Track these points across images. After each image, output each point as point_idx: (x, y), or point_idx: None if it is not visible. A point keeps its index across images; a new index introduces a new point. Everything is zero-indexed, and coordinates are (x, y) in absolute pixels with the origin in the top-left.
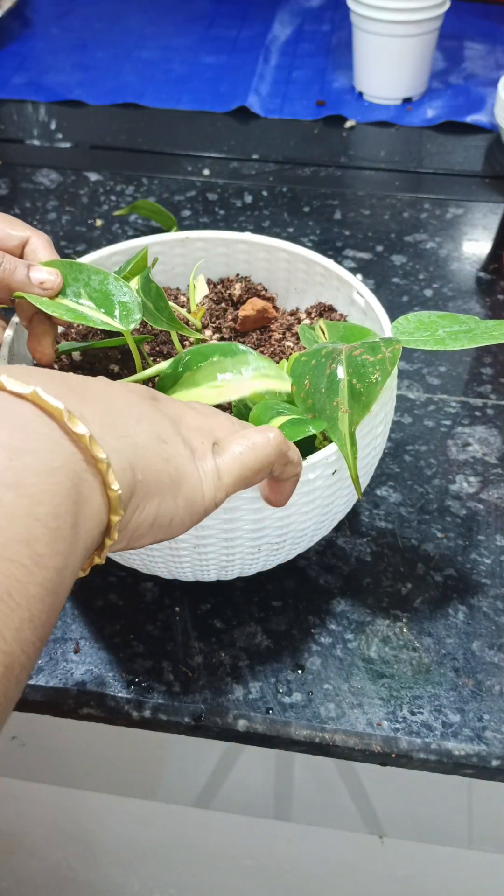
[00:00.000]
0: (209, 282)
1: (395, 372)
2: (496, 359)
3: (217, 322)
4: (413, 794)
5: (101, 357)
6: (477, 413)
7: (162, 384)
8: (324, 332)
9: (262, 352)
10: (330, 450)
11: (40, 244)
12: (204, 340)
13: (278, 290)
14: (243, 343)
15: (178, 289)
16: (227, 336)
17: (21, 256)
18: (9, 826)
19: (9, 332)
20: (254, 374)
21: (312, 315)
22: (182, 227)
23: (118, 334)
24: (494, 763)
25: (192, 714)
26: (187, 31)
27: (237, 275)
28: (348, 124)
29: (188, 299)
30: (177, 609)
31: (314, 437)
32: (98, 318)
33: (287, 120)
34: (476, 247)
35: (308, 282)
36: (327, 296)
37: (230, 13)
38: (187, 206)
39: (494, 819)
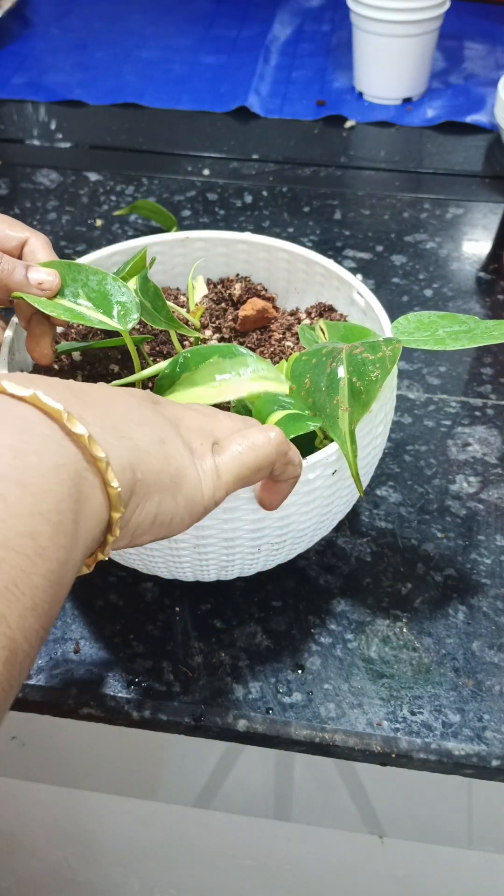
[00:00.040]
0: (209, 282)
1: (395, 371)
2: (496, 359)
3: (217, 322)
4: (413, 794)
5: (100, 357)
6: (477, 413)
7: (160, 384)
8: (324, 333)
9: (262, 352)
10: (330, 450)
11: (39, 245)
12: (203, 340)
13: (278, 290)
14: (243, 343)
15: (178, 289)
16: (226, 336)
17: (20, 257)
18: (9, 826)
19: (8, 333)
20: (252, 376)
21: (312, 315)
22: (182, 227)
23: (118, 334)
24: (494, 763)
25: (192, 714)
26: (187, 31)
27: (237, 275)
28: (348, 124)
29: (188, 299)
30: (177, 609)
31: (314, 436)
32: (96, 318)
33: (287, 120)
34: (476, 247)
35: (308, 282)
36: (327, 296)
37: (230, 13)
38: (187, 206)
39: (494, 819)
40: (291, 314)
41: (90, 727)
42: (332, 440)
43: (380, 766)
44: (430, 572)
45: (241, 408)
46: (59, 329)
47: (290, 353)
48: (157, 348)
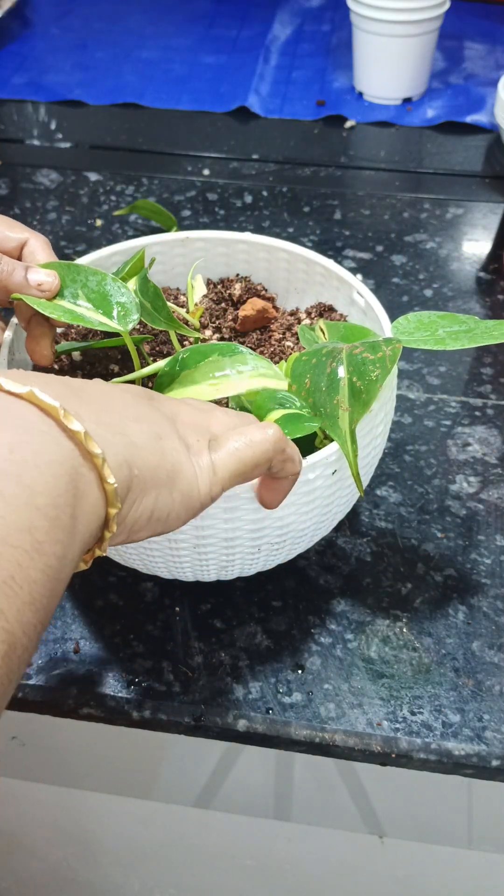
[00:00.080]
0: (209, 282)
1: (395, 371)
2: (496, 359)
3: (217, 322)
4: (413, 794)
5: (100, 357)
6: (477, 413)
7: (160, 382)
8: (324, 333)
9: (261, 352)
10: (330, 449)
11: (38, 246)
12: (203, 340)
13: (278, 290)
14: (243, 343)
15: (178, 289)
16: (226, 336)
17: (19, 258)
18: (9, 826)
19: (8, 334)
20: (251, 373)
21: (312, 315)
22: (182, 227)
23: (118, 334)
24: (494, 763)
25: (192, 714)
26: (187, 31)
27: (237, 275)
28: (348, 124)
29: (188, 299)
30: (177, 609)
31: (314, 436)
32: (96, 318)
33: (287, 120)
34: (476, 247)
35: (308, 282)
36: (327, 296)
37: (230, 13)
38: (187, 206)
39: (494, 819)
40: (291, 314)
41: (90, 727)
42: (332, 440)
43: (380, 766)
44: (430, 572)
45: (240, 406)
46: (59, 329)
47: (290, 353)
48: (157, 348)
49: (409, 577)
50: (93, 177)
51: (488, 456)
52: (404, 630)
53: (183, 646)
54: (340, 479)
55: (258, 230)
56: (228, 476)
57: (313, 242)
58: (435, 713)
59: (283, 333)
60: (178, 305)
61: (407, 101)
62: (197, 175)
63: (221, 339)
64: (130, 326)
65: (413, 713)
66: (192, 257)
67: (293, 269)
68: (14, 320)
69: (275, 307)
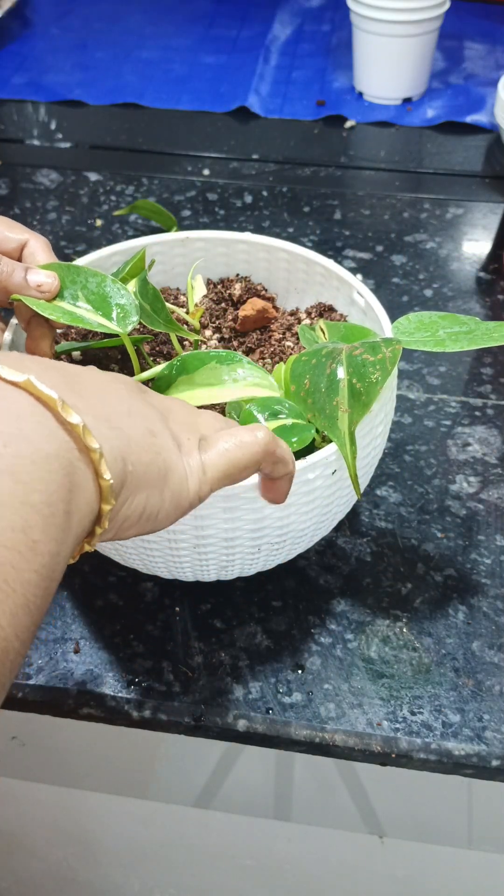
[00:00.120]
0: (209, 282)
1: (395, 372)
2: (496, 359)
3: (217, 322)
4: (413, 794)
5: (100, 357)
6: (477, 413)
7: (157, 385)
8: (324, 333)
9: (262, 352)
10: (330, 450)
11: (38, 247)
12: (203, 341)
13: (278, 290)
14: (243, 343)
15: (177, 289)
16: (226, 336)
17: (19, 259)
18: (9, 826)
19: (7, 335)
20: (245, 382)
21: (312, 315)
22: (182, 227)
23: (117, 335)
24: (494, 763)
25: (192, 714)
26: (187, 31)
27: (237, 275)
28: (348, 124)
29: (187, 299)
30: (177, 609)
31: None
32: (95, 320)
33: (287, 120)
34: (476, 247)
35: (308, 282)
36: (327, 296)
37: (230, 13)
38: (187, 206)
39: (494, 819)
40: (291, 314)
41: (90, 727)
42: (331, 440)
43: (380, 766)
44: (430, 572)
45: (233, 412)
46: (59, 330)
47: (290, 353)
48: (157, 348)
49: (409, 577)
50: (93, 177)
51: (488, 456)
52: (404, 630)
53: (183, 646)
54: (340, 479)
55: (258, 230)
56: (218, 477)
57: (313, 242)
58: (435, 713)
59: (283, 333)
60: (177, 305)
61: (407, 101)
62: (197, 175)
63: (221, 339)
64: (130, 328)
65: (413, 713)
66: (192, 257)
67: (293, 269)
68: (14, 321)
69: (275, 307)
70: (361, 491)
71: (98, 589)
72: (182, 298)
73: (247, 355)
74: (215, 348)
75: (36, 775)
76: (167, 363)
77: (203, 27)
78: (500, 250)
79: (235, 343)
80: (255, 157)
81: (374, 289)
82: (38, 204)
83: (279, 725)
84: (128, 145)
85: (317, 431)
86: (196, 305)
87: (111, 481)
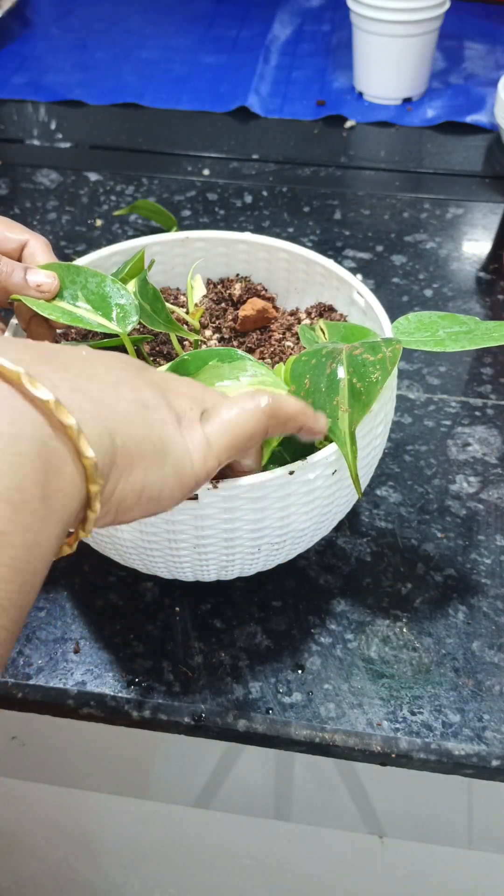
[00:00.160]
0: (209, 282)
1: (395, 371)
2: (496, 359)
3: (217, 322)
4: (413, 794)
5: None
6: (477, 413)
7: None
8: (324, 333)
9: (262, 352)
10: (330, 450)
11: (38, 247)
12: (203, 341)
13: (278, 290)
14: (243, 343)
15: (177, 289)
16: (226, 336)
17: (19, 259)
18: (9, 826)
19: (7, 335)
20: (251, 381)
21: (312, 315)
22: (182, 227)
23: (117, 335)
24: (494, 763)
25: (192, 714)
26: (187, 31)
27: (237, 275)
28: (348, 124)
29: (187, 299)
30: (177, 609)
31: None
32: (95, 320)
33: (287, 120)
34: (476, 247)
35: (308, 282)
36: (327, 296)
37: (230, 13)
38: (187, 206)
39: (494, 819)
40: (291, 314)
41: (90, 727)
42: (331, 440)
43: (380, 766)
44: (430, 572)
45: None
46: (59, 329)
47: (290, 354)
48: (157, 348)
49: (409, 577)
50: (93, 177)
51: (488, 456)
52: (404, 630)
53: (183, 646)
54: (340, 479)
55: (258, 230)
56: (225, 447)
57: (313, 242)
58: (435, 713)
59: (283, 333)
60: (177, 305)
61: (407, 101)
62: (197, 175)
63: (221, 339)
64: (129, 328)
65: (413, 713)
66: (192, 257)
67: (293, 269)
68: (13, 321)
69: (275, 307)
70: (362, 490)
71: (98, 589)
72: (182, 298)
73: None
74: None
75: (36, 775)
76: (169, 364)
77: (203, 27)
78: (500, 250)
79: (235, 343)
80: (255, 157)
81: (374, 289)
82: (38, 204)
83: (279, 725)
84: (128, 145)
85: None
86: (196, 305)
87: (95, 459)
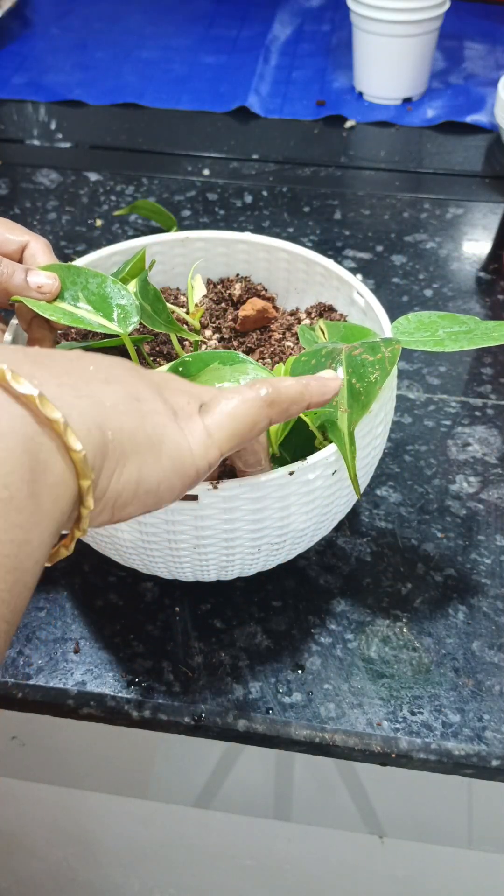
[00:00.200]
0: (209, 282)
1: (394, 372)
2: (496, 359)
3: (217, 322)
4: (413, 794)
5: None
6: (477, 413)
7: None
8: (324, 333)
9: (262, 352)
10: (330, 450)
11: (39, 248)
12: (203, 341)
13: (278, 290)
14: (243, 343)
15: (177, 289)
16: (226, 336)
17: (20, 260)
18: (9, 826)
19: (7, 336)
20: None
21: (312, 315)
22: (182, 227)
23: (118, 335)
24: (494, 763)
25: (192, 714)
26: (187, 31)
27: (237, 275)
28: (348, 124)
29: (188, 299)
30: (177, 609)
31: (314, 437)
32: (96, 321)
33: (287, 120)
34: (476, 247)
35: (308, 282)
36: (327, 296)
37: (230, 13)
38: (187, 206)
39: (494, 819)
40: (291, 314)
41: (90, 727)
42: (331, 440)
43: (380, 766)
44: (430, 572)
45: None
46: (59, 330)
47: (290, 353)
48: (157, 348)
49: (409, 577)
50: (93, 177)
51: (488, 456)
52: (404, 630)
53: (183, 646)
54: (340, 479)
55: (258, 230)
56: (226, 437)
57: (313, 242)
58: (435, 713)
59: (283, 333)
60: (177, 306)
61: (407, 101)
62: (197, 175)
63: (221, 339)
64: (131, 329)
65: (413, 713)
66: (192, 257)
67: (293, 269)
68: (14, 322)
69: (275, 307)
70: (361, 491)
71: (98, 589)
72: (182, 298)
73: (247, 355)
74: (215, 348)
75: (36, 775)
76: (170, 364)
77: (203, 27)
78: (500, 250)
79: (235, 343)
80: (255, 157)
81: (374, 289)
82: (38, 204)
83: (279, 725)
84: (128, 145)
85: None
86: (196, 306)
87: (83, 452)
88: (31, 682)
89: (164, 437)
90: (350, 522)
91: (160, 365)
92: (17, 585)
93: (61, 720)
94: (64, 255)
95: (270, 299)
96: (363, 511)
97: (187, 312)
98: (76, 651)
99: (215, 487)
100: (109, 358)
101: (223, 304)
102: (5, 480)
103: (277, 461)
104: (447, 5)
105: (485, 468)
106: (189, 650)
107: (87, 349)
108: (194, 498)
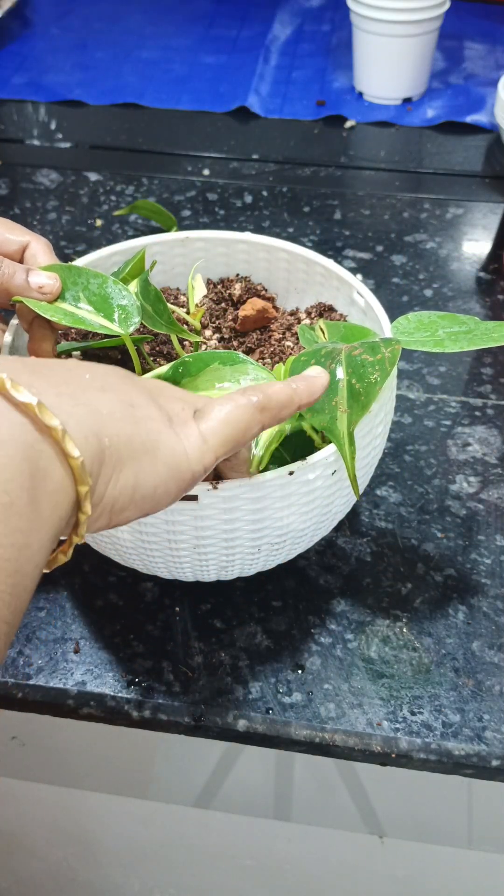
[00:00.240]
0: (209, 282)
1: (394, 372)
2: (496, 359)
3: (217, 322)
4: (413, 794)
5: (101, 357)
6: (477, 413)
7: None
8: (323, 332)
9: (262, 352)
10: (329, 450)
11: (40, 248)
12: (203, 341)
13: (278, 290)
14: (243, 343)
15: (177, 289)
16: (226, 336)
17: (21, 261)
18: (9, 826)
19: (7, 336)
20: (251, 384)
21: (312, 315)
22: (182, 227)
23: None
24: (494, 763)
25: (192, 714)
26: (187, 31)
27: (237, 275)
28: (348, 124)
29: (188, 300)
30: (177, 609)
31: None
32: (97, 321)
33: (287, 120)
34: (476, 247)
35: (308, 282)
36: (327, 296)
37: (230, 13)
38: (187, 206)
39: (494, 819)
40: (291, 314)
41: (90, 727)
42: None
43: (380, 766)
44: (430, 572)
45: None
46: (60, 330)
47: (290, 354)
48: (157, 348)
49: (409, 577)
50: (93, 177)
51: (488, 456)
52: (404, 630)
53: (183, 646)
54: (340, 479)
55: (258, 230)
56: (220, 443)
57: (313, 242)
58: (435, 713)
59: (283, 333)
60: (177, 305)
61: (407, 101)
62: (197, 175)
63: (221, 339)
64: (132, 329)
65: (413, 713)
66: (192, 257)
67: (293, 269)
68: (14, 322)
69: (275, 307)
70: (361, 491)
71: (98, 589)
72: (182, 298)
73: (247, 355)
74: (215, 348)
75: (36, 775)
76: (171, 364)
77: (203, 27)
78: (500, 250)
79: (235, 343)
80: (255, 157)
81: (374, 289)
82: (38, 204)
83: (279, 725)
84: (128, 145)
85: (315, 431)
86: (197, 306)
87: (81, 459)
88: (31, 682)
89: (160, 442)
90: (350, 522)
91: (160, 365)
92: (17, 588)
93: (61, 720)
94: (64, 255)
95: (270, 299)
96: (363, 511)
97: (188, 312)
98: (76, 651)
99: (215, 487)
100: (104, 367)
101: (223, 304)
102: (6, 486)
103: (277, 461)
104: (447, 5)
105: (485, 468)
106: (189, 650)
107: (87, 349)
108: (194, 498)
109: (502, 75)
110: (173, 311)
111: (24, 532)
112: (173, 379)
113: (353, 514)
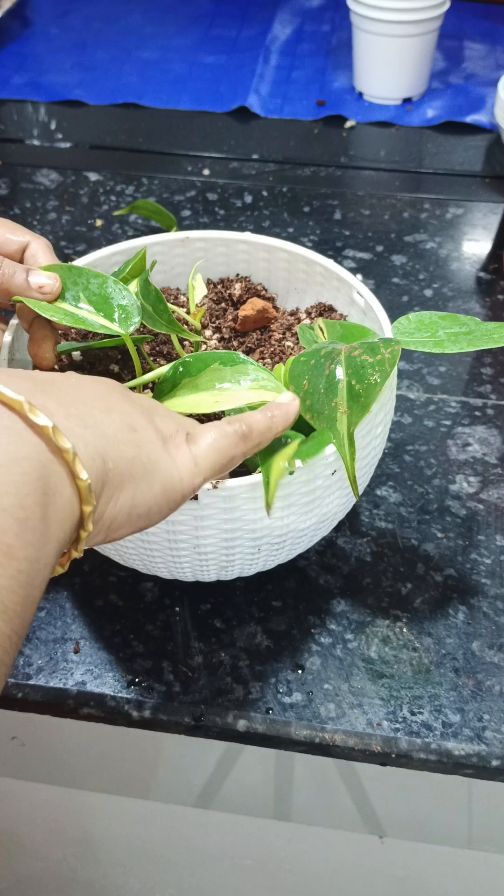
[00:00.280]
0: (209, 282)
1: (394, 373)
2: (496, 359)
3: (217, 322)
4: (413, 794)
5: (101, 357)
6: (477, 413)
7: (160, 388)
8: (323, 332)
9: (262, 352)
10: (329, 450)
11: (40, 249)
12: (203, 342)
13: (278, 290)
14: (243, 343)
15: (178, 289)
16: (226, 336)
17: (21, 261)
18: (9, 826)
19: (7, 336)
20: (251, 385)
21: (312, 315)
22: (182, 227)
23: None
24: (494, 763)
25: (192, 714)
26: (187, 31)
27: (237, 275)
28: (348, 124)
29: (188, 300)
30: (177, 609)
31: None
32: (97, 321)
33: (287, 120)
34: (476, 247)
35: (308, 282)
36: (327, 296)
37: (230, 13)
38: (187, 206)
39: (494, 819)
40: (291, 314)
41: (90, 727)
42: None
43: (380, 766)
44: (430, 572)
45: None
46: (60, 331)
47: (290, 354)
48: (157, 348)
49: (409, 577)
50: (93, 177)
51: (488, 456)
52: (404, 630)
53: (183, 646)
54: (340, 479)
55: (258, 230)
56: (209, 467)
57: (313, 242)
58: (435, 713)
59: (283, 333)
60: (178, 305)
61: (407, 101)
62: (197, 175)
63: (221, 339)
64: (132, 329)
65: (413, 713)
66: (192, 257)
67: (293, 269)
68: (14, 321)
69: (275, 307)
70: (361, 491)
71: (98, 589)
72: (182, 298)
73: (247, 355)
74: (215, 348)
75: (36, 775)
76: (171, 364)
77: (203, 27)
78: (500, 250)
79: (235, 343)
80: (255, 157)
81: (374, 289)
82: (38, 204)
83: (279, 725)
84: (128, 145)
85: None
86: (197, 306)
87: (88, 481)
88: (31, 682)
89: (157, 464)
90: (350, 522)
91: (160, 365)
92: (27, 600)
93: (61, 720)
94: (64, 255)
95: (270, 299)
96: (363, 511)
97: (188, 312)
98: (76, 651)
99: (215, 487)
100: (104, 383)
101: (223, 304)
102: (23, 502)
103: None
104: (447, 5)
105: (485, 468)
106: (189, 650)
107: (87, 349)
108: (194, 498)
109: (502, 75)
110: (173, 311)
111: (35, 546)
112: (173, 379)
113: (353, 514)
